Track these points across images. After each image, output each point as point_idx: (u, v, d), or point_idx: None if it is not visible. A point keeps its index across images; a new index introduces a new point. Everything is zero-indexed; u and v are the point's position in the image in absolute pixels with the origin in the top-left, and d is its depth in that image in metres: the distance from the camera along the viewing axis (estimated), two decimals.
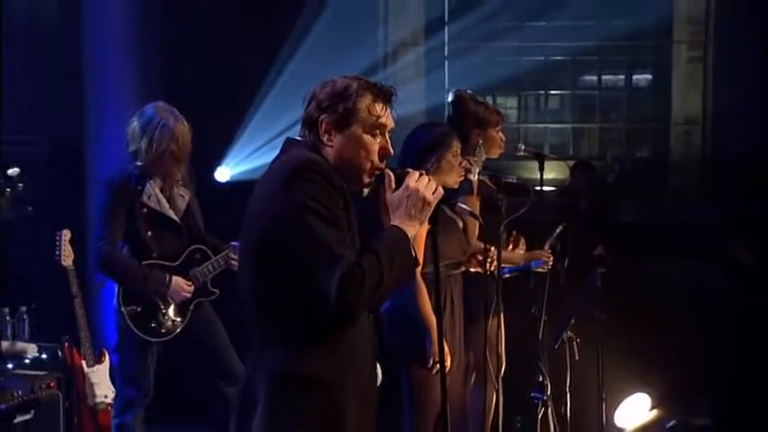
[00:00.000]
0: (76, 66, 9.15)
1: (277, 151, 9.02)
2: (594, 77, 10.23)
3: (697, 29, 9.85)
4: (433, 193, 4.14)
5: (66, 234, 7.69)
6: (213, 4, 9.43)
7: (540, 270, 6.83)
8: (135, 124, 6.80)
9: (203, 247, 6.99)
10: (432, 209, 4.16)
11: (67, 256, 7.65)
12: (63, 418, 7.66)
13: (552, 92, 10.19)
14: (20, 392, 7.41)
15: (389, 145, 4.25)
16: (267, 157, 8.91)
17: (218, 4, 9.41)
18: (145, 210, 6.80)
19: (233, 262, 6.90)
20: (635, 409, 7.48)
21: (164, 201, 6.88)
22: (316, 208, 3.95)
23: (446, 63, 9.94)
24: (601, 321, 7.35)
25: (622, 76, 10.24)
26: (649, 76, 10.28)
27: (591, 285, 7.37)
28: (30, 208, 8.63)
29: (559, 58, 9.95)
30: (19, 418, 7.34)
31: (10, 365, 7.64)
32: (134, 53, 9.04)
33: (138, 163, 6.76)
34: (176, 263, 6.88)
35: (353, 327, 4.15)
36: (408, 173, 4.18)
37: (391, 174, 4.22)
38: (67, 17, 9.63)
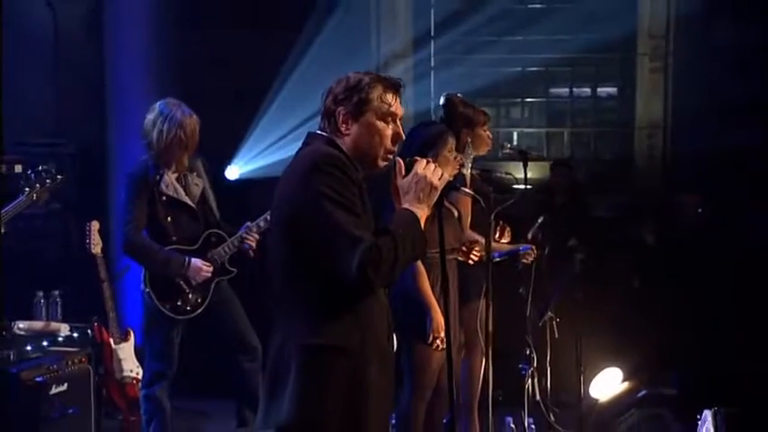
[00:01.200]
0: (99, 75, 9.19)
1: (280, 152, 9.09)
2: (566, 87, 10.23)
3: (658, 42, 9.84)
4: (439, 179, 4.19)
5: (95, 225, 7.73)
6: (224, 16, 9.44)
7: (525, 260, 6.85)
8: (148, 118, 6.86)
9: (218, 230, 7.02)
10: (438, 193, 4.21)
11: (96, 245, 7.69)
12: (93, 390, 7.65)
13: (528, 99, 10.18)
14: (55, 367, 7.41)
15: (401, 130, 4.30)
16: (272, 157, 9.01)
17: (228, 18, 9.44)
18: (164, 198, 6.82)
19: (247, 242, 6.96)
20: (608, 382, 7.49)
21: (180, 189, 6.90)
22: (334, 196, 4.01)
23: (432, 73, 9.95)
24: (579, 303, 7.40)
25: (591, 85, 10.22)
26: (616, 86, 10.26)
27: (570, 271, 7.41)
28: (58, 205, 8.63)
29: (534, 69, 9.95)
30: (54, 390, 7.35)
31: (45, 343, 7.63)
32: (151, 62, 9.06)
33: (152, 153, 6.81)
34: (194, 246, 6.89)
35: (372, 299, 4.20)
36: (417, 161, 4.24)
37: (401, 162, 4.28)
38: (90, 31, 9.64)
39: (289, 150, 8.88)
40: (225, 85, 7.66)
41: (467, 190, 4.76)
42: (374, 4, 9.94)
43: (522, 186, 7.01)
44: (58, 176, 6.03)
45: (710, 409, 4.90)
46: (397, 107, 4.28)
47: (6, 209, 5.86)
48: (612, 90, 10.30)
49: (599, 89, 10.25)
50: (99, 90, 9.17)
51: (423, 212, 4.17)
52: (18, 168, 7.54)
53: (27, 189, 5.95)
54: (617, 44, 9.84)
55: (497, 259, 6.79)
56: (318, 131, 4.30)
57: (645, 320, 8.08)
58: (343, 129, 4.22)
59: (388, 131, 4.26)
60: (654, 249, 9.07)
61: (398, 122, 4.29)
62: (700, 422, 4.94)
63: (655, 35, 9.86)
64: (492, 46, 9.82)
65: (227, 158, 8.62)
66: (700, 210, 9.31)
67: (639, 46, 9.95)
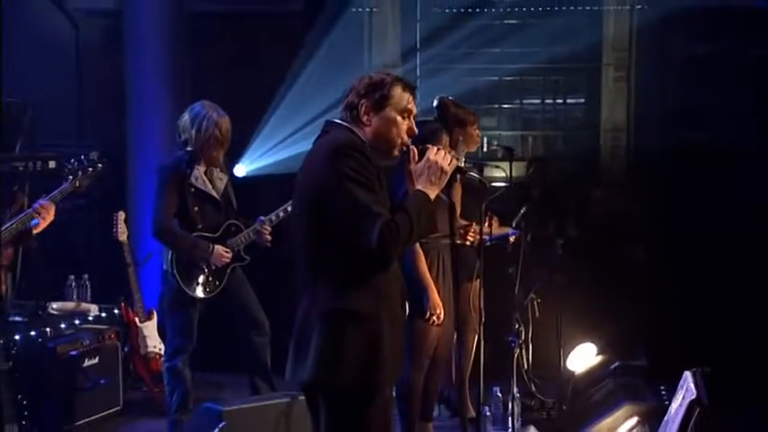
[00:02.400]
0: (118, 83, 9.14)
1: (284, 152, 9.06)
2: (538, 93, 10.21)
3: (621, 54, 9.79)
4: (449, 165, 4.27)
5: (121, 215, 7.77)
6: (231, 31, 9.46)
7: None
8: (186, 117, 6.85)
9: (237, 222, 7.05)
10: (447, 177, 4.28)
11: (122, 233, 7.74)
12: (121, 363, 7.75)
13: (504, 105, 10.17)
14: (87, 342, 7.48)
15: (414, 125, 4.38)
16: (277, 157, 9.01)
17: (235, 33, 9.45)
18: (193, 189, 6.83)
19: (263, 234, 7.00)
20: (583, 356, 7.50)
21: (207, 182, 6.91)
22: (355, 177, 4.08)
23: (418, 81, 9.95)
24: (559, 284, 7.46)
25: (561, 92, 10.19)
26: (583, 93, 10.21)
27: (551, 256, 7.47)
28: (82, 200, 8.60)
29: (509, 78, 9.93)
30: (87, 363, 7.43)
31: (77, 321, 7.70)
32: (165, 71, 9.04)
33: (189, 149, 6.82)
34: (216, 234, 6.91)
35: (387, 270, 4.26)
36: (429, 148, 4.32)
37: (415, 149, 4.34)
38: (108, 45, 9.64)
39: (291, 150, 8.96)
40: (233, 92, 7.68)
41: (474, 174, 4.72)
42: (367, 22, 9.89)
43: (507, 180, 7.05)
44: (99, 165, 6.03)
45: (690, 371, 4.89)
46: (413, 105, 4.37)
47: (52, 194, 5.86)
48: (580, 97, 10.27)
49: (568, 96, 10.23)
50: (119, 97, 9.11)
51: (434, 193, 4.24)
52: (52, 164, 7.54)
53: (71, 177, 5.95)
54: (584, 55, 9.77)
55: (490, 243, 6.85)
56: (337, 120, 4.37)
57: (616, 300, 8.11)
58: (364, 119, 4.29)
59: (404, 125, 4.34)
60: (619, 236, 9.09)
61: (412, 119, 4.37)
62: (680, 383, 4.91)
63: (618, 48, 9.82)
64: (471, 57, 9.79)
65: (236, 157, 8.61)
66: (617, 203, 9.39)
67: (604, 57, 9.91)
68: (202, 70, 9.07)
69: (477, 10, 9.73)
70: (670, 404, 6.28)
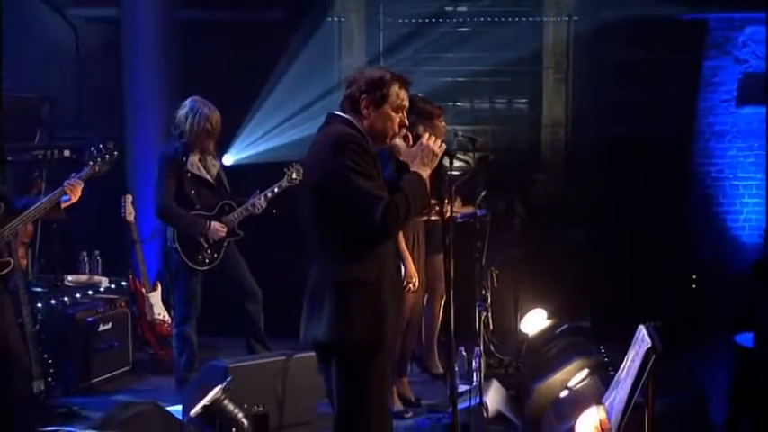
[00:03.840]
0: (116, 81, 9.15)
1: (266, 144, 9.07)
2: (487, 93, 10.22)
3: (560, 58, 9.85)
4: (439, 149, 4.37)
5: (129, 198, 7.80)
6: (219, 36, 9.45)
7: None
8: (181, 112, 6.96)
9: (230, 201, 7.12)
10: (438, 159, 4.38)
11: (129, 214, 7.76)
12: (130, 328, 7.79)
13: (458, 103, 10.19)
14: (101, 310, 7.53)
15: (405, 119, 4.44)
16: (260, 148, 9.03)
17: (222, 38, 9.44)
18: (189, 174, 6.94)
19: (253, 210, 7.09)
20: (535, 320, 7.58)
21: (202, 168, 7.02)
22: (356, 167, 4.17)
23: None
24: (516, 257, 7.55)
25: (508, 91, 10.20)
26: (527, 92, 10.20)
27: (510, 232, 7.55)
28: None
29: (462, 79, 9.93)
30: (101, 328, 7.47)
31: (90, 292, 7.72)
32: (160, 70, 9.06)
33: (183, 140, 6.91)
34: (212, 213, 7.01)
35: (385, 244, 4.36)
36: (422, 134, 4.42)
37: (410, 135, 4.45)
38: (106, 47, 9.60)
39: (273, 143, 9.02)
40: (221, 91, 7.66)
41: (462, 157, 4.84)
42: (336, 30, 9.92)
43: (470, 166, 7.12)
44: (115, 152, 6.06)
45: (643, 324, 4.97)
46: (405, 102, 4.43)
47: (80, 174, 5.89)
48: (524, 96, 10.28)
49: (513, 95, 10.25)
50: (116, 95, 9.11)
51: (426, 173, 4.33)
52: (67, 153, 7.55)
53: (91, 162, 5.98)
54: (527, 60, 9.79)
55: (461, 220, 6.96)
56: (338, 113, 4.42)
57: (562, 272, 8.23)
58: (364, 113, 4.35)
59: (397, 119, 4.40)
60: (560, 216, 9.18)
61: (404, 113, 4.44)
62: (635, 337, 4.96)
63: (557, 53, 9.88)
64: (428, 61, 9.81)
65: (225, 148, 8.66)
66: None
67: (545, 61, 9.95)
68: (193, 71, 9.00)
69: (433, 20, 9.80)
70: (613, 359, 6.48)
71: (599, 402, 5.27)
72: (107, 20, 9.68)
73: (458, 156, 4.63)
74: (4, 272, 5.64)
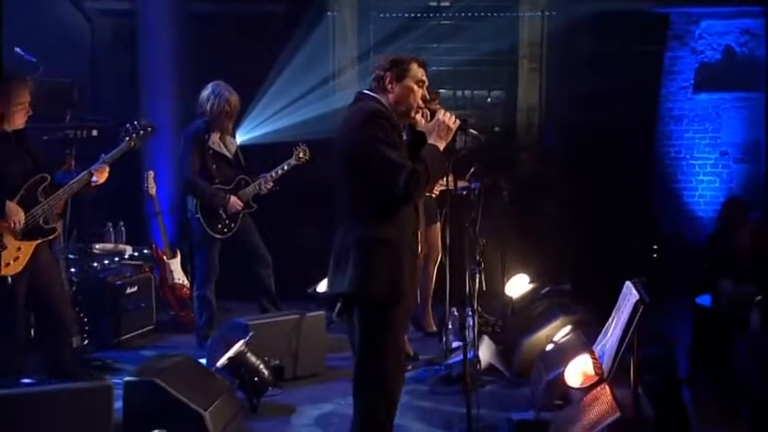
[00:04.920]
0: (130, 68, 9.19)
1: (270, 126, 9.10)
2: (468, 81, 10.27)
3: (534, 50, 9.99)
4: (453, 124, 4.49)
5: (151, 174, 7.85)
6: (225, 28, 9.49)
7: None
8: (204, 94, 7.03)
9: (246, 177, 7.20)
10: (452, 133, 4.50)
11: (152, 188, 7.81)
12: (154, 291, 7.87)
13: (441, 90, 10.13)
14: (128, 275, 7.62)
15: (426, 93, 4.55)
16: (264, 130, 9.11)
17: (228, 30, 9.48)
18: (210, 151, 7.01)
19: (265, 186, 7.17)
20: (518, 284, 7.60)
21: (222, 145, 7.08)
22: (384, 139, 4.28)
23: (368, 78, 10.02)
24: (502, 227, 7.63)
25: (487, 80, 10.23)
26: (504, 80, 10.21)
27: (498, 204, 7.62)
28: None
29: (446, 69, 9.96)
30: (128, 291, 7.55)
31: (116, 259, 7.79)
32: (171, 58, 9.08)
33: (205, 119, 6.98)
34: (230, 186, 7.07)
35: (406, 209, 4.46)
36: (437, 110, 4.52)
37: (428, 111, 4.57)
38: (119, 37, 9.63)
39: (275, 125, 9.09)
40: (228, 77, 7.72)
41: (474, 132, 4.75)
42: (331, 24, 9.96)
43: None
44: (149, 128, 6.10)
45: (630, 281, 5.11)
46: (425, 77, 4.54)
47: (111, 153, 5.94)
48: (502, 83, 10.30)
49: (492, 83, 10.28)
50: (133, 78, 9.12)
51: (442, 145, 4.44)
52: (95, 132, 7.57)
53: (127, 138, 6.03)
54: (505, 50, 9.90)
55: (456, 192, 7.03)
56: (366, 91, 4.53)
57: (543, 240, 8.35)
58: (389, 87, 4.45)
59: (419, 93, 4.51)
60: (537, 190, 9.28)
61: (424, 88, 4.54)
62: (623, 293, 5.06)
63: (532, 45, 10.00)
64: (414, 53, 9.66)
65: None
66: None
67: (521, 51, 10.07)
68: (201, 60, 9.02)
69: (419, 15, 9.87)
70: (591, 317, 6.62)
71: (589, 351, 5.44)
72: (120, 12, 9.70)
73: (471, 131, 4.68)
74: (51, 237, 5.75)
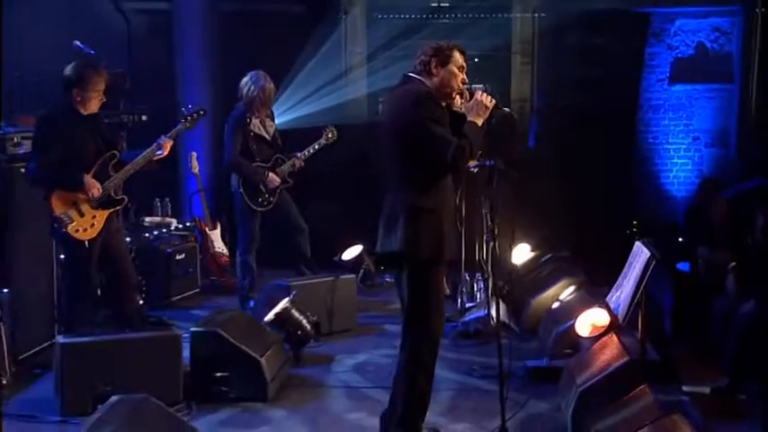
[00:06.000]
0: (166, 61, 9.27)
1: (292, 113, 9.17)
2: (466, 74, 10.24)
3: (526, 46, 10.04)
4: (489, 103, 4.64)
5: (194, 154, 8.00)
6: (252, 26, 9.57)
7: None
8: (243, 81, 7.13)
9: (282, 156, 7.32)
10: (489, 111, 4.65)
11: (194, 167, 7.96)
12: (198, 258, 8.02)
13: None
14: (177, 243, 7.80)
15: (465, 77, 4.71)
16: (287, 117, 9.21)
17: (255, 27, 9.55)
18: (251, 133, 7.11)
19: (299, 164, 7.30)
20: (521, 252, 7.72)
21: (261, 128, 7.18)
22: (432, 117, 4.45)
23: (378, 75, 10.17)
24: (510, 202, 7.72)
25: (482, 74, 10.09)
26: (498, 74, 10.00)
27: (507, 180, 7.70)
28: None
29: None
30: (178, 257, 7.71)
31: (164, 230, 7.94)
32: (204, 51, 9.24)
33: (245, 104, 7.10)
34: (268, 164, 7.17)
35: (449, 182, 4.64)
36: (476, 90, 4.68)
37: (467, 92, 4.72)
38: (154, 32, 9.67)
39: (296, 113, 9.21)
40: (253, 69, 7.84)
41: (506, 109, 4.84)
42: (343, 24, 10.00)
43: None
44: (202, 111, 6.25)
45: (639, 240, 5.23)
46: (464, 63, 4.69)
47: (171, 131, 6.09)
48: (496, 76, 10.12)
49: (487, 76, 10.17)
50: (165, 72, 9.20)
51: (480, 122, 4.59)
52: (144, 118, 7.71)
53: (182, 120, 6.18)
54: (499, 46, 9.92)
55: (474, 170, 7.18)
56: (411, 74, 4.67)
57: (539, 215, 8.47)
58: (434, 71, 4.61)
59: (459, 77, 4.67)
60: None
61: (464, 73, 4.70)
62: (633, 252, 5.18)
63: (524, 42, 10.07)
64: (412, 52, 9.93)
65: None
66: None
67: (513, 47, 10.12)
68: (229, 54, 9.15)
69: (422, 16, 9.92)
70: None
71: (601, 304, 5.66)
72: (155, 11, 9.77)
73: (504, 109, 4.80)
74: (121, 207, 5.92)
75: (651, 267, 4.83)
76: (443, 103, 4.68)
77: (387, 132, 4.70)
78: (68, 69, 5.75)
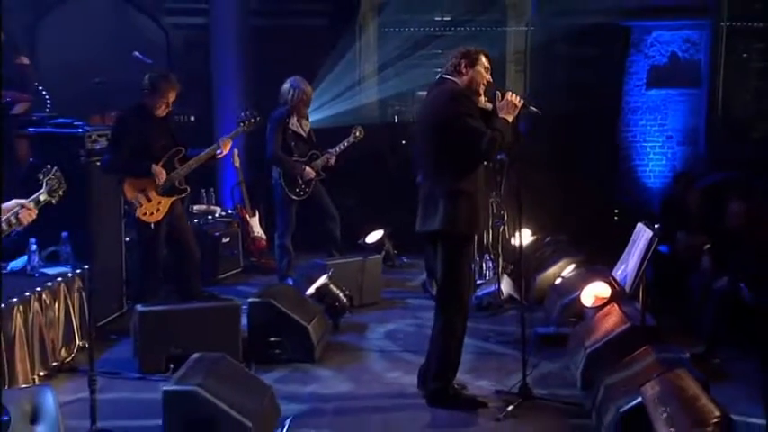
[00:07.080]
0: (203, 71, 9.32)
1: (314, 116, 9.26)
2: None
3: (520, 55, 10.11)
4: (518, 102, 4.77)
5: (236, 151, 8.06)
6: (280, 39, 9.68)
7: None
8: (285, 86, 7.21)
9: (317, 151, 7.42)
10: (518, 110, 4.78)
11: (236, 162, 8.06)
12: (240, 242, 8.14)
13: None
14: (223, 227, 7.89)
15: (490, 78, 4.86)
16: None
17: (282, 39, 9.66)
18: (290, 131, 7.21)
19: (330, 159, 7.39)
20: (523, 236, 7.73)
21: (299, 127, 7.29)
22: (467, 112, 4.61)
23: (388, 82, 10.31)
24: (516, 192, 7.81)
25: None
26: (494, 81, 10.16)
27: (515, 171, 7.77)
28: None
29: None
30: (224, 240, 7.82)
31: (209, 217, 8.06)
32: (238, 62, 9.28)
33: (286, 107, 7.22)
34: (305, 159, 7.27)
35: (482, 169, 4.80)
36: (506, 92, 4.80)
37: (499, 93, 4.83)
38: (191, 45, 9.84)
39: (317, 116, 9.26)
40: (281, 78, 7.95)
41: (533, 108, 4.90)
42: (358, 36, 10.15)
43: None
44: (257, 117, 6.41)
45: (641, 222, 5.35)
46: (489, 65, 4.84)
47: (230, 133, 6.25)
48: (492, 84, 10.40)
49: None
50: (205, 80, 9.26)
51: (510, 118, 4.72)
52: (192, 118, 7.84)
53: (241, 123, 6.36)
54: (495, 57, 9.31)
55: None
56: (445, 76, 4.82)
57: (542, 202, 8.59)
58: (463, 71, 4.75)
59: (486, 77, 4.83)
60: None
61: (489, 74, 4.85)
62: (636, 231, 5.31)
63: (518, 51, 10.15)
64: (424, 60, 10.04)
65: None
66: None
67: (508, 57, 10.17)
68: (261, 64, 9.24)
69: (428, 29, 10.03)
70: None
71: (603, 278, 5.84)
72: (191, 26, 9.92)
73: (531, 108, 4.92)
74: (184, 195, 6.10)
75: (654, 244, 4.98)
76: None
77: (426, 127, 4.84)
78: (146, 78, 5.93)
